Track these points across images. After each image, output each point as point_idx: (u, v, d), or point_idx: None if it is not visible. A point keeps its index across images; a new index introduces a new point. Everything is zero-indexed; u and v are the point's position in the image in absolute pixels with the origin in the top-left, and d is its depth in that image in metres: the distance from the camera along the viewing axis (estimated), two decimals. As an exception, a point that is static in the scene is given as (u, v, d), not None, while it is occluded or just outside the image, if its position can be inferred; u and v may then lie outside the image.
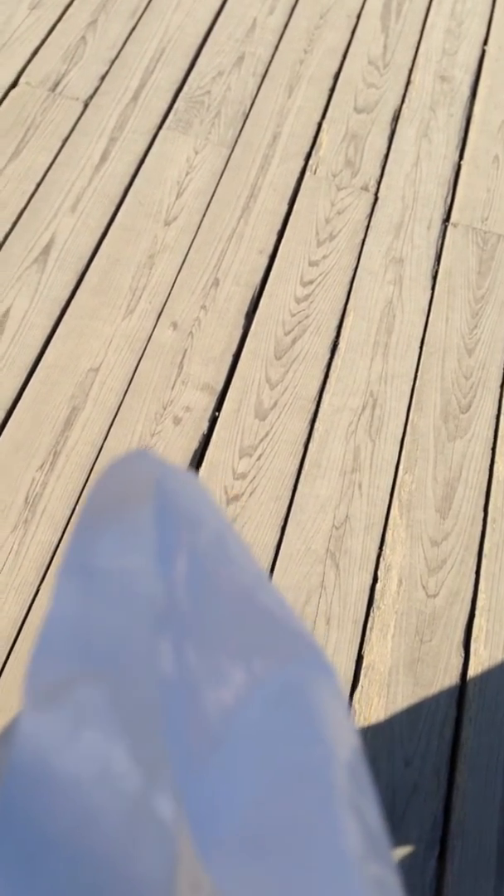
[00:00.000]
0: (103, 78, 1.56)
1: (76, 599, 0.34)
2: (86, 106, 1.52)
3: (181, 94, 1.57)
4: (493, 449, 1.25)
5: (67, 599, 0.34)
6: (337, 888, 0.28)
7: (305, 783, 0.32)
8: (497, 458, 1.24)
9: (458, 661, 1.09)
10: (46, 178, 1.41)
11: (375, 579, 1.13)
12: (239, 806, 0.30)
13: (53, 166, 1.43)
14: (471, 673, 1.09)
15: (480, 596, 1.14)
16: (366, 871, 0.29)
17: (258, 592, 0.39)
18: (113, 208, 1.40)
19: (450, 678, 1.08)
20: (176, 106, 1.55)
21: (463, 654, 1.10)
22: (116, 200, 1.41)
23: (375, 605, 1.11)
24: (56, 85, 1.53)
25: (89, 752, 0.30)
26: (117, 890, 0.27)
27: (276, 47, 1.68)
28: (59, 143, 1.46)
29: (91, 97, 1.53)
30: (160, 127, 1.51)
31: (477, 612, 1.13)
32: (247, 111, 1.56)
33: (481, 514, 1.19)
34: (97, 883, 0.27)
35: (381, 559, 1.14)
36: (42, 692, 0.31)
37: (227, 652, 0.36)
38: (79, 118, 1.49)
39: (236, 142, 1.52)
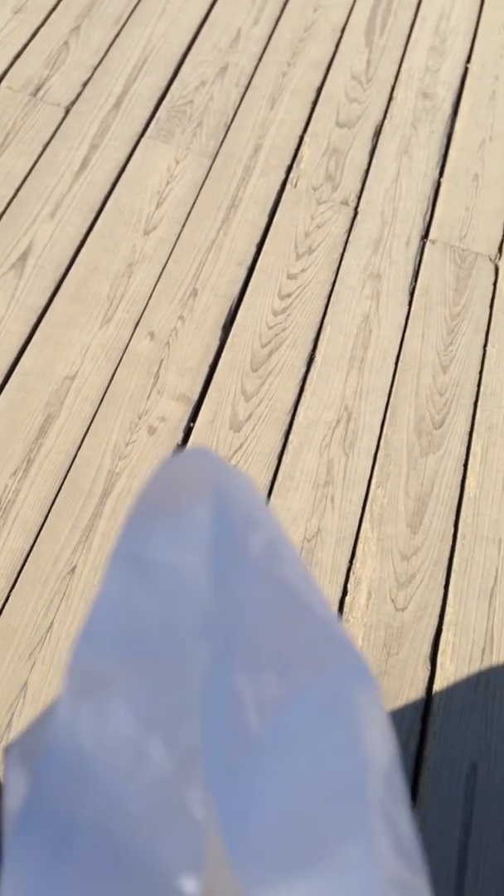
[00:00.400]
0: (85, 84, 1.56)
1: (125, 588, 0.35)
2: (67, 112, 1.52)
3: (163, 103, 1.57)
4: (465, 465, 1.26)
5: (116, 587, 0.35)
6: (363, 892, 0.29)
7: (340, 790, 0.32)
8: (468, 475, 1.26)
9: (424, 675, 1.10)
10: (25, 183, 1.41)
11: (345, 592, 1.14)
12: (271, 808, 0.31)
13: (33, 172, 1.43)
14: (436, 687, 1.10)
15: (448, 610, 1.15)
16: (392, 876, 0.29)
17: (305, 600, 0.40)
18: (92, 216, 1.40)
19: (416, 691, 1.09)
20: (158, 115, 1.55)
21: (429, 668, 1.11)
22: (96, 208, 1.41)
23: (344, 617, 1.12)
24: (38, 90, 1.53)
25: (124, 741, 0.30)
26: (142, 879, 0.28)
27: (260, 59, 1.69)
28: (40, 149, 1.46)
29: (73, 103, 1.53)
30: (142, 135, 1.52)
31: (444, 627, 1.14)
32: (229, 122, 1.57)
33: (451, 530, 1.21)
34: (123, 870, 0.28)
35: (352, 572, 1.15)
36: (82, 678, 0.31)
37: (270, 657, 0.36)
38: (60, 124, 1.50)
39: (217, 152, 1.52)
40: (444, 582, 1.17)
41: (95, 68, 1.59)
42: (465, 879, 0.98)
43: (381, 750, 0.34)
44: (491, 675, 1.11)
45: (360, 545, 1.17)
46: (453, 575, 1.17)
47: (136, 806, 0.29)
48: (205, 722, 0.31)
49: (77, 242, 1.37)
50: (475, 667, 1.11)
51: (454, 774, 1.04)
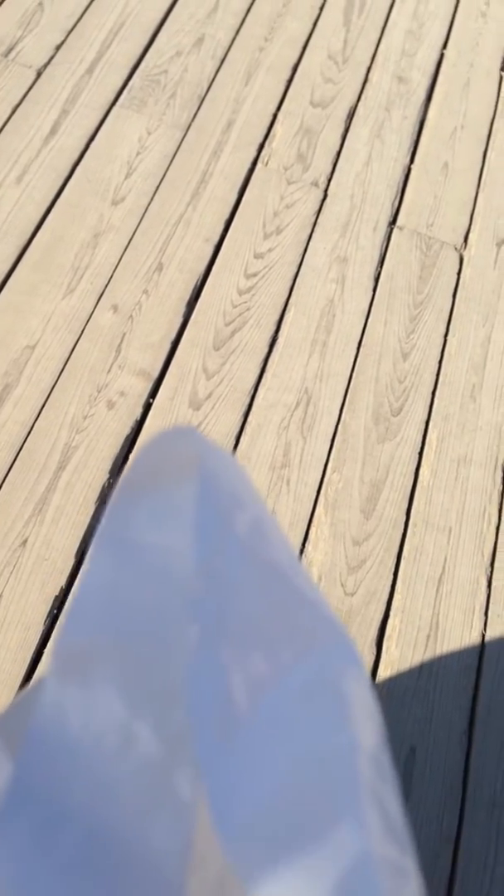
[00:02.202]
0: (59, 47, 1.53)
1: (110, 569, 0.34)
2: (39, 75, 1.49)
3: (137, 72, 1.55)
4: (420, 454, 1.28)
5: (102, 568, 0.34)
6: (352, 871, 0.29)
7: (328, 770, 0.32)
8: (423, 464, 1.27)
9: (370, 659, 1.12)
10: (-6, 146, 1.39)
11: (296, 575, 1.15)
12: (260, 788, 0.30)
13: (1, 135, 1.40)
14: (381, 671, 1.12)
15: (396, 597, 1.17)
16: (381, 855, 0.29)
17: (292, 580, 0.39)
18: (60, 183, 1.38)
19: (361, 676, 1.10)
20: (131, 83, 1.53)
21: (375, 653, 1.13)
22: (64, 175, 1.39)
23: (294, 600, 1.13)
24: (9, 51, 1.50)
25: (111, 724, 0.30)
26: (131, 861, 0.27)
27: (237, 32, 1.67)
28: (9, 112, 1.43)
29: (45, 66, 1.50)
30: (113, 103, 1.50)
31: (392, 613, 1.16)
32: (203, 95, 1.55)
33: (403, 518, 1.22)
34: (112, 854, 0.27)
35: (304, 556, 1.16)
36: (69, 660, 0.31)
37: (257, 637, 0.36)
38: (31, 87, 1.47)
39: (190, 125, 1.51)
40: (393, 568, 1.18)
41: (70, 32, 1.56)
42: (398, 859, 1.01)
43: (368, 730, 0.34)
44: (434, 662, 1.13)
45: (313, 529, 1.18)
46: (403, 562, 1.19)
47: (124, 789, 0.28)
48: (193, 703, 0.31)
49: (43, 209, 1.35)
50: (419, 653, 1.13)
51: (393, 757, 1.06)
